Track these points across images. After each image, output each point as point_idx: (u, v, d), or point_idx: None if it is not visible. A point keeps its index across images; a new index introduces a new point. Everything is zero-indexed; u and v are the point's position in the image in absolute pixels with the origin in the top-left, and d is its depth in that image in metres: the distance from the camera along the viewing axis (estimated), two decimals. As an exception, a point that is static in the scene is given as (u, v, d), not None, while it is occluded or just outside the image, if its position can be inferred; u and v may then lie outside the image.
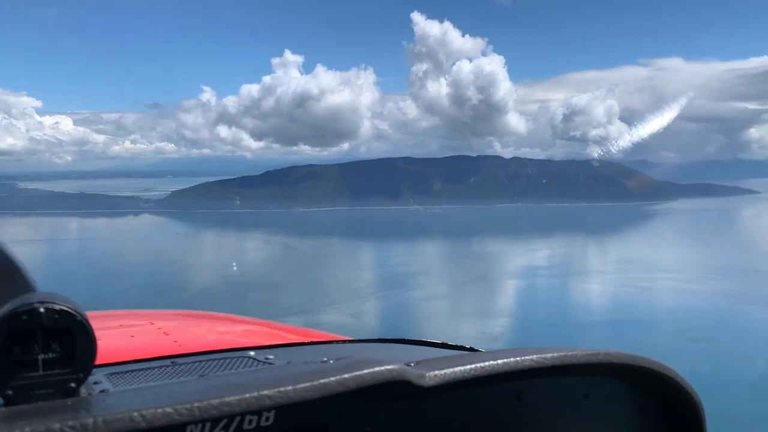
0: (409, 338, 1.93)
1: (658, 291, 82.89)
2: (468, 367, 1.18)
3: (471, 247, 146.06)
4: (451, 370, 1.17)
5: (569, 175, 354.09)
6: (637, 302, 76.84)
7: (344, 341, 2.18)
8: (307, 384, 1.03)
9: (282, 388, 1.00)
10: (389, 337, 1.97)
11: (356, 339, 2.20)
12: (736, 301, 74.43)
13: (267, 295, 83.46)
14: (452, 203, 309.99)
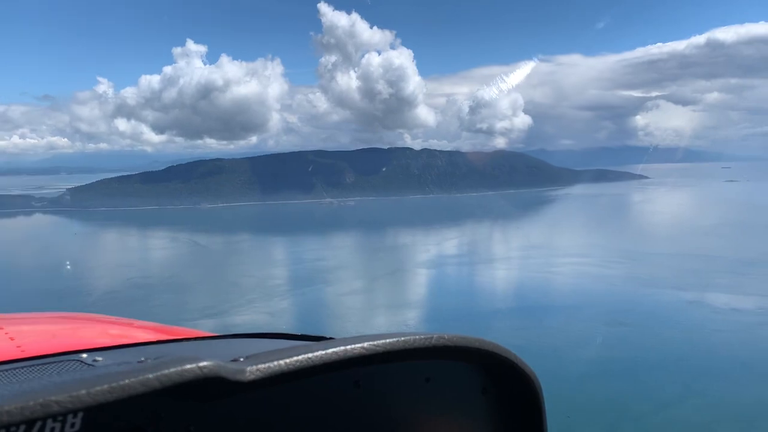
0: (274, 332, 1.87)
1: (568, 276, 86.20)
2: (293, 359, 1.17)
3: (386, 240, 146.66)
4: (274, 363, 1.15)
5: (477, 165, 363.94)
6: (549, 288, 79.57)
7: (201, 338, 2.07)
8: (105, 386, 0.98)
9: (73, 393, 0.95)
10: (273, 332, 1.91)
11: (218, 335, 2.09)
12: (642, 284, 78.47)
13: (177, 297, 79.95)
14: (365, 195, 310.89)
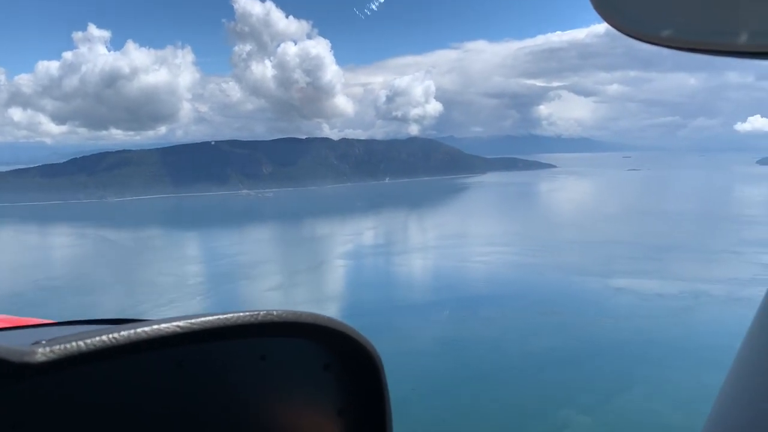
0: (107, 318, 1.77)
1: (493, 265, 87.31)
2: (95, 339, 1.13)
3: (306, 231, 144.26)
4: (71, 344, 1.11)
5: (392, 153, 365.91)
6: (476, 278, 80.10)
7: (31, 325, 1.95)
8: None
9: None
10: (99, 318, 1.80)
11: (52, 322, 1.98)
12: (567, 272, 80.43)
13: (90, 299, 74.75)
14: (283, 186, 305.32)
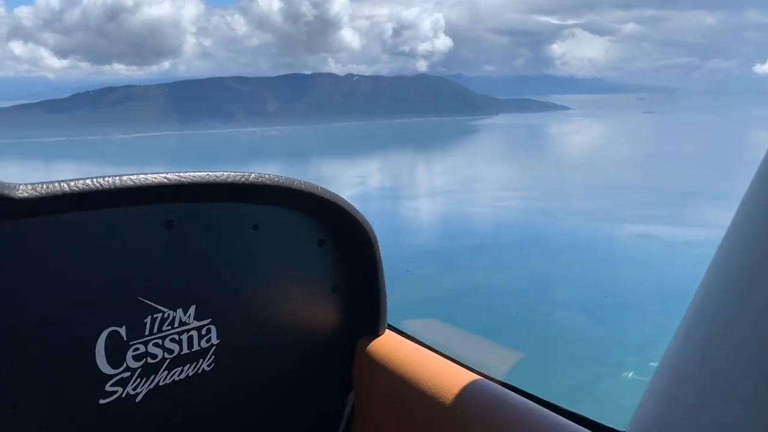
0: None
1: (513, 210, 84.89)
2: (78, 183, 1.11)
3: (311, 172, 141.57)
4: (54, 185, 1.09)
5: (400, 91, 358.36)
6: (498, 223, 77.84)
7: None
8: None
9: None
10: None
11: None
12: (589, 218, 78.01)
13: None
14: (289, 124, 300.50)
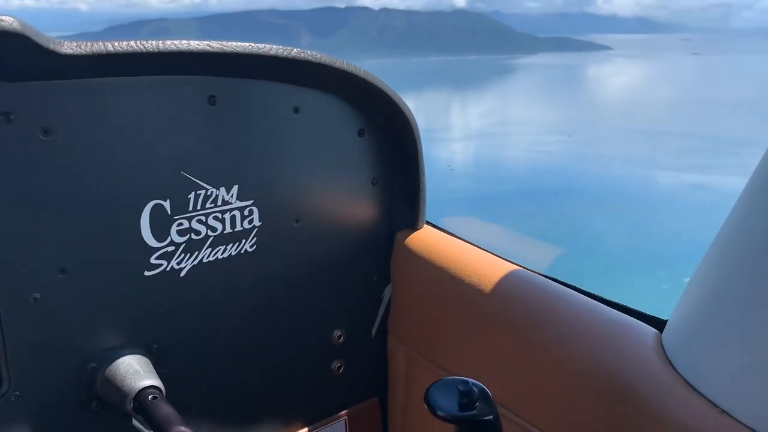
0: None
1: (560, 156, 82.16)
2: (122, 43, 1.11)
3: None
4: (95, 43, 1.09)
5: (436, 27, 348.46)
6: (545, 169, 75.43)
7: None
8: None
9: None
10: None
11: None
12: (641, 165, 75.10)
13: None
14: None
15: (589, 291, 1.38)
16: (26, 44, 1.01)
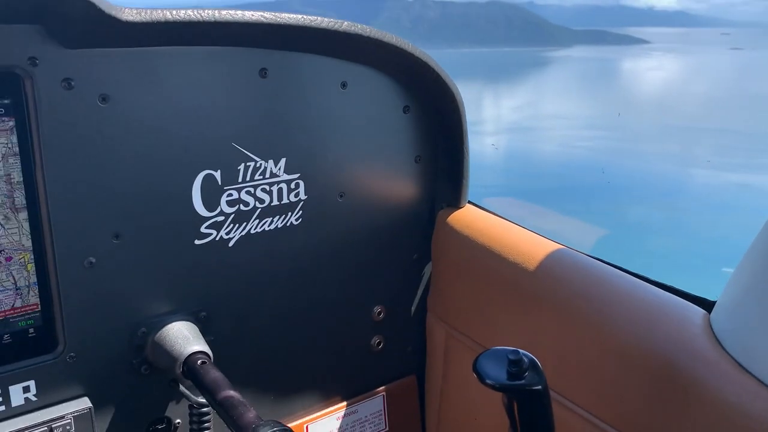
0: None
1: (598, 152, 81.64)
2: (180, 12, 1.12)
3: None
4: (154, 11, 1.11)
5: (470, 18, 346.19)
6: (583, 165, 75.09)
7: None
8: None
9: None
10: None
11: None
12: (681, 163, 74.42)
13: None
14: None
15: (633, 271, 1.35)
16: (90, 10, 1.02)
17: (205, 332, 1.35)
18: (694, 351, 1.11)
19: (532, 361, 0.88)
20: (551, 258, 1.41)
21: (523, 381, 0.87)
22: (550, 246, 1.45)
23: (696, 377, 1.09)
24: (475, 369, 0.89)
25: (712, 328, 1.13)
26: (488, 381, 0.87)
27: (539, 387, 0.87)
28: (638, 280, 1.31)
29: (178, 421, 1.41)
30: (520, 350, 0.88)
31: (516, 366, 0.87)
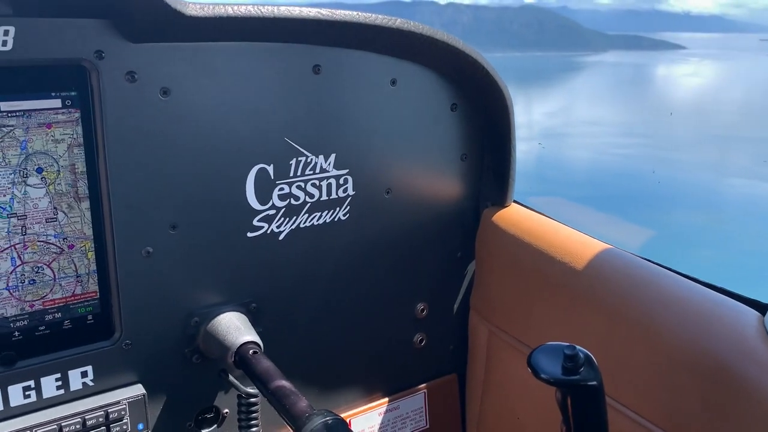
0: None
1: (637, 159, 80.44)
2: (242, 7, 1.15)
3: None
4: (217, 7, 1.13)
5: (503, 23, 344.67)
6: (623, 173, 74.08)
7: None
8: None
9: None
10: None
11: None
12: (722, 173, 73.10)
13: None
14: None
15: (683, 272, 1.33)
16: (157, 4, 1.05)
17: (255, 324, 1.37)
18: (748, 353, 1.09)
19: (587, 356, 0.88)
20: (600, 258, 1.39)
21: (578, 376, 0.86)
22: (599, 246, 1.43)
23: (749, 379, 1.07)
24: (530, 363, 0.89)
25: (766, 330, 1.11)
26: (543, 375, 0.86)
27: (595, 383, 0.87)
28: (689, 281, 1.29)
29: (226, 411, 1.43)
30: (576, 346, 0.88)
31: (572, 361, 0.86)
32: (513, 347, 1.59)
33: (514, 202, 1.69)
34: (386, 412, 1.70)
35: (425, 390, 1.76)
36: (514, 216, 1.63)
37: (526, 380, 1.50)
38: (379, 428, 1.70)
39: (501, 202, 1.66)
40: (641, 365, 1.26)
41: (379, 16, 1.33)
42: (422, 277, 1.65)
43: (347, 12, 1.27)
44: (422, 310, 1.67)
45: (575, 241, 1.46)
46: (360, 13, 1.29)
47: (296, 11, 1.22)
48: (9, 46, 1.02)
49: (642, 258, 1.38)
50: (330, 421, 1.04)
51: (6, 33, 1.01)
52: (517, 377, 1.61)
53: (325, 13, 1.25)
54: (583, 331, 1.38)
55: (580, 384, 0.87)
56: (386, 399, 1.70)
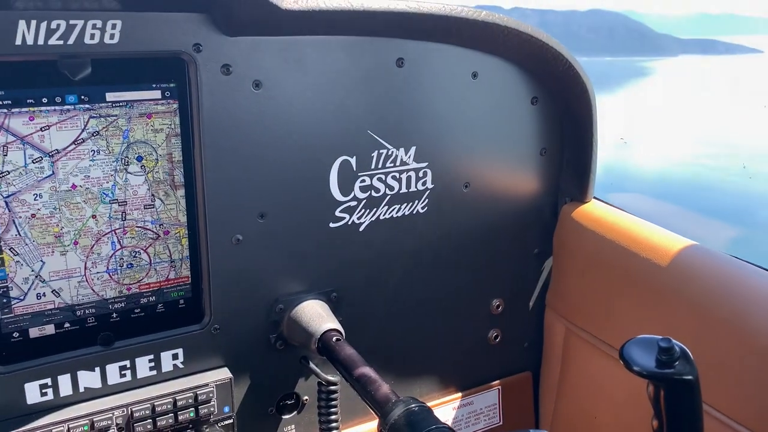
0: None
1: (718, 171, 78.68)
2: (331, 1, 1.17)
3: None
4: (310, 1, 1.15)
5: (571, 27, 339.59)
6: (697, 185, 72.74)
7: None
8: None
9: None
10: None
11: None
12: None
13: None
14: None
15: None
16: (260, 4, 1.09)
17: (335, 312, 1.39)
18: None
19: (683, 350, 0.84)
20: (685, 254, 1.35)
21: (673, 370, 0.83)
22: (685, 242, 1.39)
23: None
24: (622, 355, 0.85)
25: None
26: (635, 368, 0.83)
27: (691, 377, 0.83)
28: None
29: (306, 398, 1.46)
30: (672, 338, 0.83)
31: (667, 354, 0.83)
32: (591, 345, 1.56)
33: (594, 198, 1.65)
34: (460, 406, 1.70)
35: (499, 386, 1.75)
36: (595, 212, 1.58)
37: (605, 378, 1.46)
38: (453, 422, 1.70)
39: (581, 198, 1.63)
40: (730, 364, 1.22)
41: (465, 8, 1.32)
42: (498, 273, 1.65)
43: (433, 5, 1.27)
44: (498, 306, 1.66)
45: (660, 237, 1.42)
46: (446, 6, 1.29)
47: (384, 4, 1.22)
48: (116, 39, 1.06)
49: (730, 255, 1.34)
50: (416, 408, 1.04)
51: (114, 27, 1.05)
52: (595, 376, 1.58)
53: (412, 5, 1.25)
54: (668, 328, 1.34)
55: (675, 378, 0.83)
56: (460, 393, 1.70)
